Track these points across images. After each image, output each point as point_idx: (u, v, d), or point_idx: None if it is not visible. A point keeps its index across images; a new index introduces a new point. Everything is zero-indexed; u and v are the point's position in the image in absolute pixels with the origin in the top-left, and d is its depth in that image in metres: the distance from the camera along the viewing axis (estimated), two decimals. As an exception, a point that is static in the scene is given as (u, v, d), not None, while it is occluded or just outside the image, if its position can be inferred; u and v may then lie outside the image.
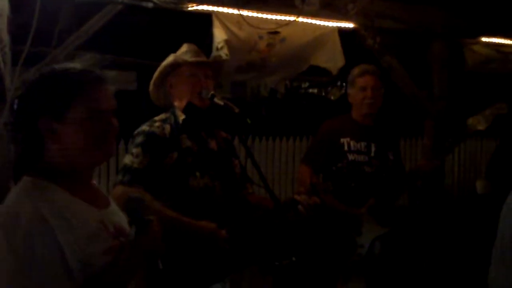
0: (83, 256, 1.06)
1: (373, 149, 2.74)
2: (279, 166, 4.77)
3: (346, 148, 2.74)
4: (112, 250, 1.11)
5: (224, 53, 3.04)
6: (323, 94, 6.08)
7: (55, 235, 1.03)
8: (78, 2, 2.83)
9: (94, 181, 1.27)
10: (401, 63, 3.75)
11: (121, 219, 1.22)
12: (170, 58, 2.03)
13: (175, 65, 1.99)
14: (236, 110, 1.89)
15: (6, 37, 2.49)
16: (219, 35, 3.06)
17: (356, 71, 2.79)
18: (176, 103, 2.02)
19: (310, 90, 6.26)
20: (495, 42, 4.10)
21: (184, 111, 1.97)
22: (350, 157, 2.72)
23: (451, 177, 5.30)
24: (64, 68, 1.20)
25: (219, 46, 3.01)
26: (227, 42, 3.11)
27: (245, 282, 2.14)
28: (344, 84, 5.30)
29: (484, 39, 4.02)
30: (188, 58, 1.99)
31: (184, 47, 2.05)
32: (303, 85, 6.13)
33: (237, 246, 1.89)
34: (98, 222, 1.13)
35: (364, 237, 2.63)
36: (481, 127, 2.66)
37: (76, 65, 1.20)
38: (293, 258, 1.90)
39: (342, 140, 2.76)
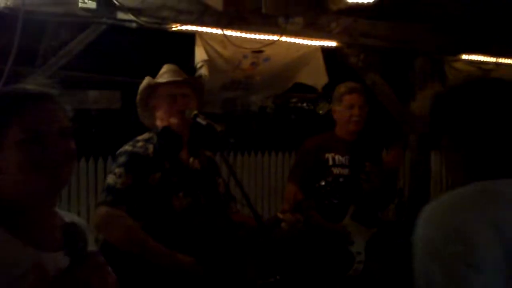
0: None
1: (355, 161, 2.78)
2: (269, 181, 4.77)
3: (330, 162, 2.77)
4: None
5: (203, 73, 3.07)
6: (312, 108, 6.13)
7: None
8: (62, 22, 2.85)
9: (58, 220, 1.11)
10: (385, 80, 3.81)
11: None
12: (145, 81, 2.04)
13: (152, 87, 2.00)
14: (219, 129, 1.89)
15: (-12, 58, 2.49)
16: (199, 55, 3.11)
17: (342, 89, 2.82)
18: (158, 123, 2.02)
19: (299, 105, 6.32)
20: (476, 60, 4.19)
21: (159, 136, 1.97)
22: (335, 171, 2.76)
23: (438, 190, 5.32)
24: (4, 90, 1.11)
25: (198, 66, 3.05)
26: (210, 60, 3.14)
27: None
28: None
29: (464, 56, 4.10)
30: (163, 79, 2.00)
31: (164, 68, 2.07)
32: (292, 100, 6.18)
33: (216, 270, 1.87)
34: (31, 266, 0.96)
35: (357, 244, 2.67)
36: (426, 110, 2.72)
37: (22, 85, 1.09)
38: (278, 277, 1.90)
39: (326, 155, 2.80)
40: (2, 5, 2.51)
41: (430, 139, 3.94)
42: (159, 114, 2.01)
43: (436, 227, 1.02)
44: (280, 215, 1.98)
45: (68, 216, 1.16)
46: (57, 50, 2.95)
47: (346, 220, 2.69)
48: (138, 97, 2.04)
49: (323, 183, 2.56)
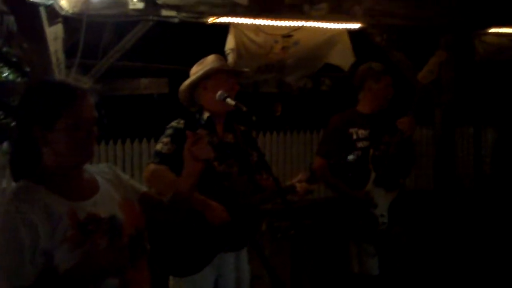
0: (48, 244, 1.24)
1: (374, 134, 3.06)
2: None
3: (354, 137, 3.08)
4: (68, 239, 1.26)
5: (230, 60, 3.44)
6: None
7: (35, 227, 1.24)
8: (117, 22, 3.36)
9: (87, 175, 1.42)
10: (410, 57, 3.99)
11: (109, 207, 1.38)
12: (215, 64, 2.33)
13: (219, 71, 2.31)
14: (244, 109, 2.18)
15: (61, 56, 3.06)
16: (228, 43, 3.49)
17: (379, 68, 3.02)
18: (204, 103, 2.36)
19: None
20: (505, 32, 4.23)
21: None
22: (359, 144, 3.07)
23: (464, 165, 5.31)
24: (54, 83, 1.38)
25: (227, 53, 3.43)
26: (243, 47, 3.52)
27: (265, 249, 2.50)
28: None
29: (492, 30, 4.16)
30: (226, 67, 2.37)
31: (214, 57, 2.38)
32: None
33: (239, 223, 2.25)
34: (67, 213, 1.29)
35: (380, 207, 2.94)
36: (431, 77, 2.94)
37: (65, 80, 1.37)
38: (292, 231, 2.29)
39: (350, 130, 3.10)
40: (70, 11, 3.04)
41: (456, 113, 4.08)
42: (210, 95, 2.28)
43: None
44: (296, 183, 2.36)
45: (94, 168, 1.48)
46: (114, 45, 3.47)
47: (369, 186, 3.01)
48: (200, 74, 2.31)
49: (331, 162, 2.87)
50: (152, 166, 2.25)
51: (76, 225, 1.30)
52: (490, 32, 4.24)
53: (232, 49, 3.51)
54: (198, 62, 2.42)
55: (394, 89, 3.09)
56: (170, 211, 1.58)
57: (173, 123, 2.34)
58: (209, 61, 2.37)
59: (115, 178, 1.50)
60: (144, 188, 1.57)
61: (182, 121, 2.34)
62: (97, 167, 1.50)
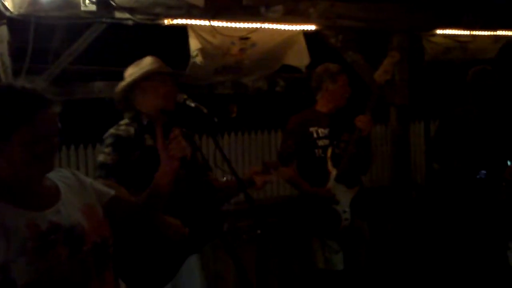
0: (4, 258, 1.19)
1: (334, 132, 3.15)
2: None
3: (315, 135, 3.16)
4: (28, 251, 1.21)
5: (198, 60, 3.41)
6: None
7: None
8: (68, 24, 3.23)
9: (48, 182, 1.36)
10: (365, 57, 4.11)
11: (71, 214, 1.32)
12: (153, 65, 2.31)
13: (156, 73, 2.30)
14: (205, 111, 2.20)
15: (7, 60, 2.90)
16: (193, 44, 3.45)
17: (335, 68, 3.14)
18: (140, 107, 2.32)
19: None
20: (451, 34, 4.45)
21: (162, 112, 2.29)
22: (320, 143, 3.14)
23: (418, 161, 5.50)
24: (14, 91, 1.27)
25: (194, 54, 3.40)
26: (202, 49, 3.49)
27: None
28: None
29: (439, 31, 4.37)
30: (165, 69, 2.34)
31: (152, 59, 2.36)
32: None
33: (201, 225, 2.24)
34: (26, 224, 1.23)
35: (343, 203, 3.03)
36: (386, 77, 3.09)
37: (27, 85, 1.28)
38: (258, 231, 2.28)
39: (311, 129, 3.18)
40: (16, 12, 2.89)
41: (410, 110, 4.26)
42: (149, 97, 2.28)
43: None
44: (254, 177, 2.36)
45: (55, 174, 1.40)
46: (65, 48, 3.33)
47: (330, 183, 3.08)
48: (136, 76, 2.28)
49: (280, 151, 2.90)
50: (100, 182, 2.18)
51: (37, 236, 1.24)
52: (437, 34, 4.44)
53: (199, 49, 3.47)
54: (134, 64, 2.39)
55: (351, 88, 3.20)
56: (144, 210, 1.53)
57: (112, 130, 2.28)
58: (147, 63, 2.34)
59: (77, 183, 1.44)
60: (112, 192, 1.50)
61: (122, 127, 2.28)
62: (59, 173, 1.42)
